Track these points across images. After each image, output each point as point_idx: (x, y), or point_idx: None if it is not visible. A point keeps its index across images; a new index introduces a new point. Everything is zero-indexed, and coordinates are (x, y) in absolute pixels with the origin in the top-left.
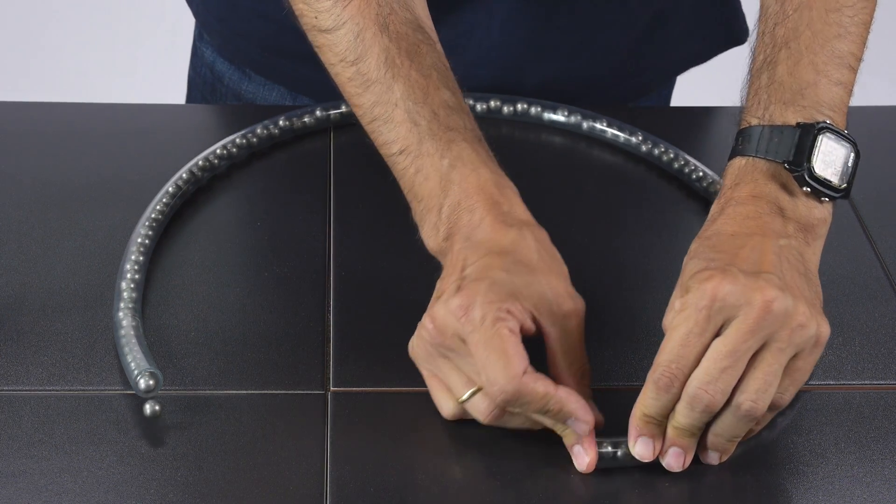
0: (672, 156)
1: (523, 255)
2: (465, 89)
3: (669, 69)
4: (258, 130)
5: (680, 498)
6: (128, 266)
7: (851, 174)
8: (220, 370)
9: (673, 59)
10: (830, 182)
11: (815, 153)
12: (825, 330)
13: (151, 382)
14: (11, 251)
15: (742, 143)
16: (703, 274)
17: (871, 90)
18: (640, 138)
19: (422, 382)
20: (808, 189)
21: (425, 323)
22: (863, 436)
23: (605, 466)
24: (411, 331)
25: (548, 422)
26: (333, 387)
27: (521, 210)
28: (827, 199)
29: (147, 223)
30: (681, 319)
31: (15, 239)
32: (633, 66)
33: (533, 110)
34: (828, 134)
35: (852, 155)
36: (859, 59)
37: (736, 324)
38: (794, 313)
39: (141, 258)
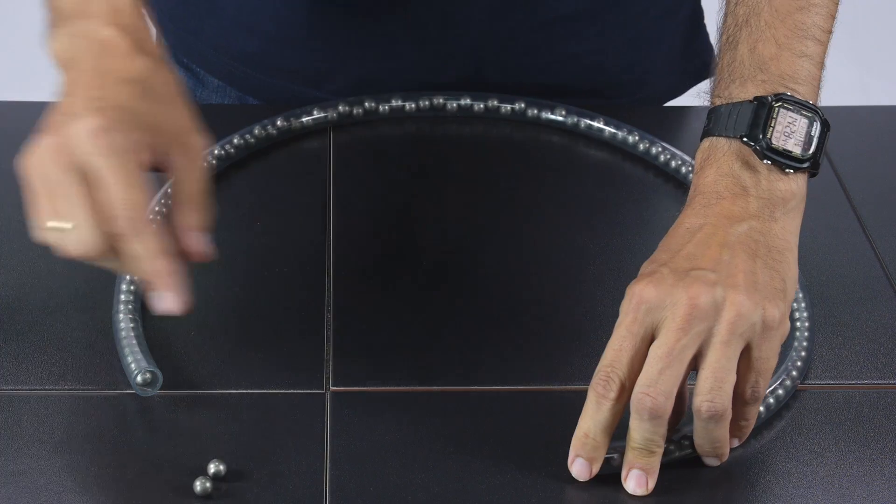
0: (669, 155)
1: (153, 86)
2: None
3: (645, 100)
4: (256, 131)
5: (679, 498)
6: None
7: (818, 144)
8: (220, 370)
9: (648, 91)
10: (791, 152)
11: (772, 125)
12: (773, 313)
13: (149, 377)
14: (11, 251)
15: (707, 122)
16: (639, 277)
17: (872, 90)
18: (637, 137)
19: (422, 382)
20: (769, 162)
21: (47, 139)
22: (863, 436)
23: (606, 472)
24: (411, 331)
25: (132, 270)
26: (333, 386)
27: (152, 43)
28: (792, 171)
29: None
30: (614, 330)
31: (15, 239)
32: (610, 93)
33: (531, 110)
34: (786, 105)
35: (816, 124)
36: (827, 31)
37: (665, 325)
38: (726, 304)
39: None
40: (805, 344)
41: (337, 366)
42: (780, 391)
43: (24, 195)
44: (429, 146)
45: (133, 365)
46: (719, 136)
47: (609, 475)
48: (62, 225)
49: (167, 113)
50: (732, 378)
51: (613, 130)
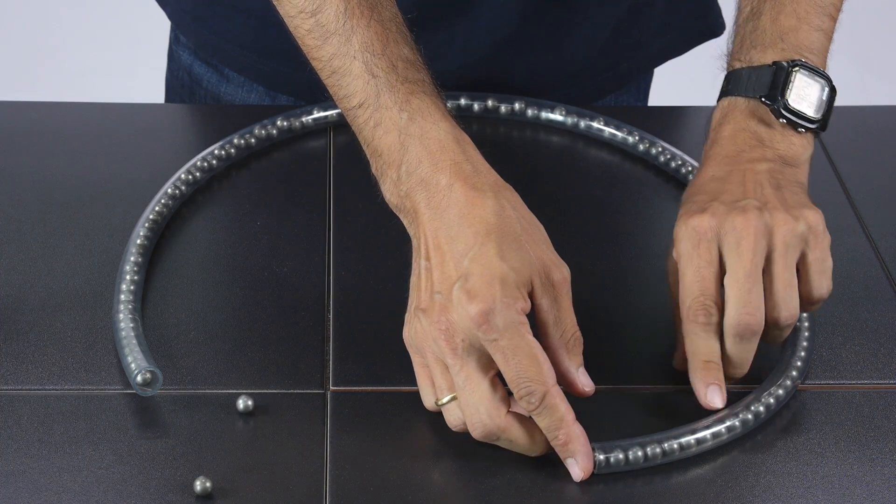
0: (669, 155)
1: (509, 229)
2: (452, 88)
3: (646, 61)
4: (256, 131)
5: (679, 498)
6: (127, 267)
7: (827, 107)
8: (220, 370)
9: (649, 51)
10: (805, 114)
11: (790, 88)
12: (812, 217)
13: (149, 377)
14: (11, 251)
15: (726, 84)
16: (686, 216)
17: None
18: (637, 137)
19: None
20: (784, 121)
21: (439, 320)
22: (863, 436)
23: (603, 472)
24: None
25: (543, 440)
26: (333, 386)
27: (485, 168)
28: (804, 130)
29: (146, 224)
30: (685, 262)
31: (15, 239)
32: (610, 58)
33: (530, 110)
34: (802, 71)
35: (827, 90)
36: (839, 9)
37: (734, 251)
38: (776, 221)
39: (140, 259)
40: (805, 344)
41: (337, 366)
42: (781, 391)
43: None
44: None
45: (133, 365)
46: (738, 95)
47: (609, 474)
48: (443, 399)
49: (527, 253)
50: (794, 285)
51: (613, 130)
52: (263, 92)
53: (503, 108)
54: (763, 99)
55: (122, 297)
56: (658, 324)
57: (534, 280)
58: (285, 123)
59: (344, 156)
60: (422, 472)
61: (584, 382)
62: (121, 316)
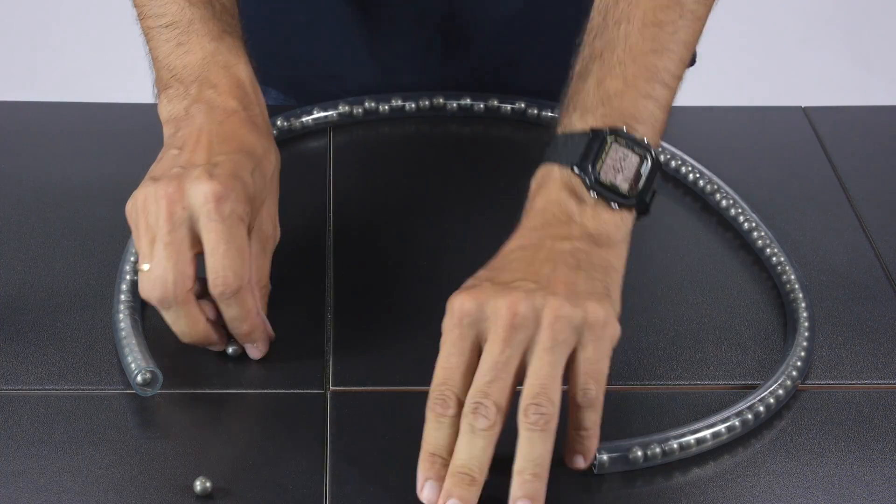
0: (669, 155)
1: (264, 168)
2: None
3: None
4: None
5: (679, 498)
6: (127, 267)
7: (646, 183)
8: (220, 370)
9: None
10: (618, 188)
11: (602, 158)
12: (597, 312)
13: (149, 377)
14: (11, 251)
15: (546, 150)
16: (458, 291)
17: (872, 90)
18: None
19: (421, 382)
20: (595, 194)
21: (166, 186)
22: (863, 436)
23: (603, 472)
24: (411, 331)
25: (232, 330)
26: (333, 386)
27: (267, 121)
28: (617, 206)
29: None
30: (441, 345)
31: (15, 239)
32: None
33: (531, 110)
34: (619, 140)
35: (647, 163)
36: (678, 77)
37: (490, 337)
38: (546, 310)
39: None
40: (805, 344)
41: (337, 366)
42: (781, 391)
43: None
44: (429, 146)
45: (133, 365)
46: (553, 163)
47: (609, 474)
48: (144, 266)
49: (265, 196)
50: (557, 385)
51: None
52: (276, 94)
53: (504, 108)
54: (575, 169)
55: (122, 297)
56: (657, 323)
57: (256, 221)
58: (285, 123)
59: (344, 156)
60: None
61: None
62: (121, 316)
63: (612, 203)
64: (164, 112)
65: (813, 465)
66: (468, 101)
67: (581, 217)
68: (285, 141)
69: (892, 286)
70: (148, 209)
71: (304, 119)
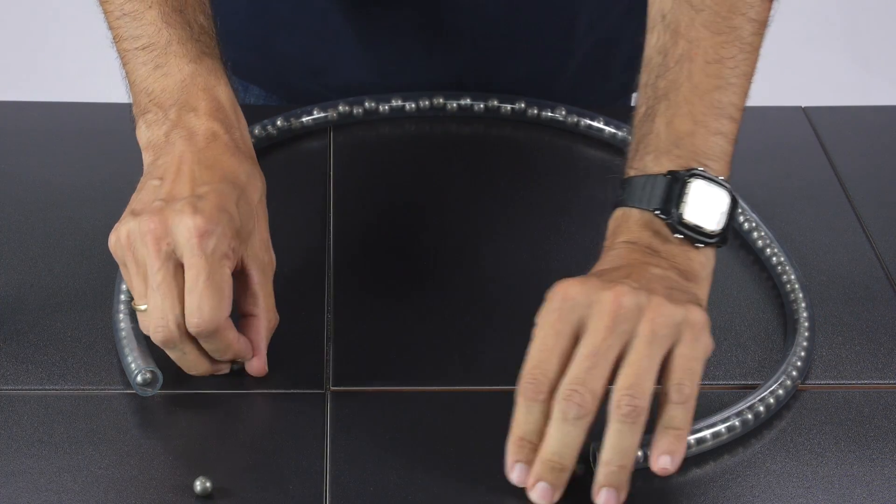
0: None
1: (250, 196)
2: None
3: (608, 97)
4: (256, 131)
5: (679, 498)
6: None
7: (727, 220)
8: None
9: (611, 87)
10: (702, 228)
11: (685, 200)
12: (696, 315)
13: (149, 377)
14: (11, 251)
15: (620, 193)
16: (556, 284)
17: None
18: None
19: (421, 382)
20: (681, 236)
21: (150, 222)
22: (863, 436)
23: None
24: (411, 331)
25: (215, 359)
26: (333, 386)
27: (249, 144)
28: (702, 245)
29: None
30: (538, 328)
31: (15, 239)
32: (574, 93)
33: (531, 110)
34: (699, 181)
35: (728, 200)
36: (740, 109)
37: (591, 324)
38: (650, 305)
39: None
40: (805, 344)
41: (337, 366)
42: (781, 391)
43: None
44: (429, 146)
45: (133, 365)
46: (632, 206)
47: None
48: (140, 306)
49: (255, 224)
50: (652, 379)
51: (613, 130)
52: (258, 92)
53: (504, 108)
54: (657, 213)
55: (122, 297)
56: None
57: (252, 250)
58: (285, 123)
59: (344, 156)
60: (422, 472)
61: (265, 362)
62: (121, 316)
63: (697, 243)
64: (143, 138)
65: (813, 465)
66: (468, 101)
67: (667, 253)
68: (285, 141)
69: (892, 286)
70: (134, 246)
71: (304, 119)
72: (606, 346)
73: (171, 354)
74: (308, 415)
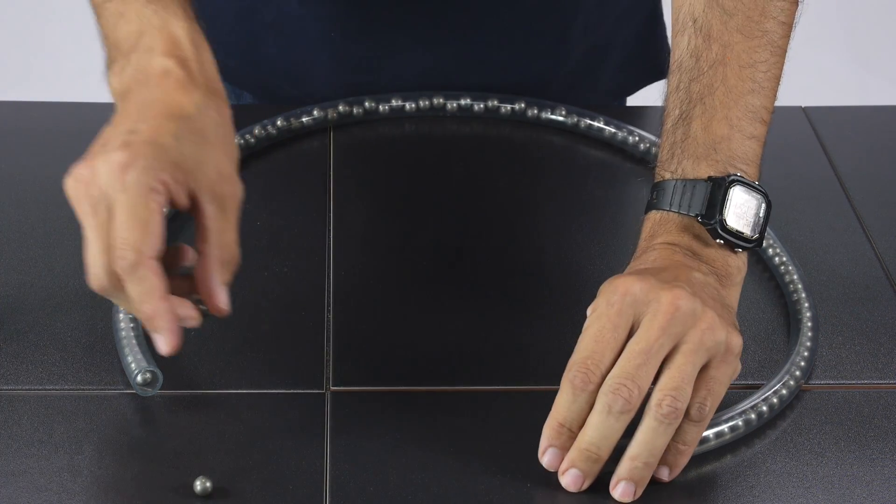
0: None
1: (200, 124)
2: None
3: (600, 100)
4: (256, 131)
5: (679, 498)
6: None
7: (763, 224)
8: (220, 370)
9: (604, 90)
10: (742, 234)
11: (727, 206)
12: (736, 340)
13: (149, 377)
14: (12, 251)
15: (657, 196)
16: (613, 278)
17: (872, 90)
18: (637, 137)
19: (421, 382)
20: (722, 241)
21: (82, 169)
22: (863, 436)
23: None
24: (411, 331)
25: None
26: (333, 386)
27: (211, 70)
28: (741, 250)
29: None
30: (593, 319)
31: (15, 239)
32: (566, 96)
33: (531, 110)
34: (739, 187)
35: (763, 206)
36: (771, 112)
37: (646, 322)
38: (703, 315)
39: None
40: (808, 344)
41: (337, 366)
42: (784, 391)
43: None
44: (429, 146)
45: (133, 365)
46: (671, 210)
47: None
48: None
49: (206, 155)
50: (692, 385)
51: (613, 130)
52: (250, 99)
53: (504, 108)
54: (700, 218)
55: None
56: None
57: (202, 180)
58: (285, 123)
59: (344, 156)
60: (422, 472)
61: (223, 300)
62: (121, 316)
63: (736, 248)
64: (111, 90)
65: (813, 465)
66: (468, 101)
67: (707, 258)
68: (285, 141)
69: (892, 286)
70: (70, 196)
71: (304, 119)
72: (659, 346)
73: (115, 301)
74: (308, 415)
